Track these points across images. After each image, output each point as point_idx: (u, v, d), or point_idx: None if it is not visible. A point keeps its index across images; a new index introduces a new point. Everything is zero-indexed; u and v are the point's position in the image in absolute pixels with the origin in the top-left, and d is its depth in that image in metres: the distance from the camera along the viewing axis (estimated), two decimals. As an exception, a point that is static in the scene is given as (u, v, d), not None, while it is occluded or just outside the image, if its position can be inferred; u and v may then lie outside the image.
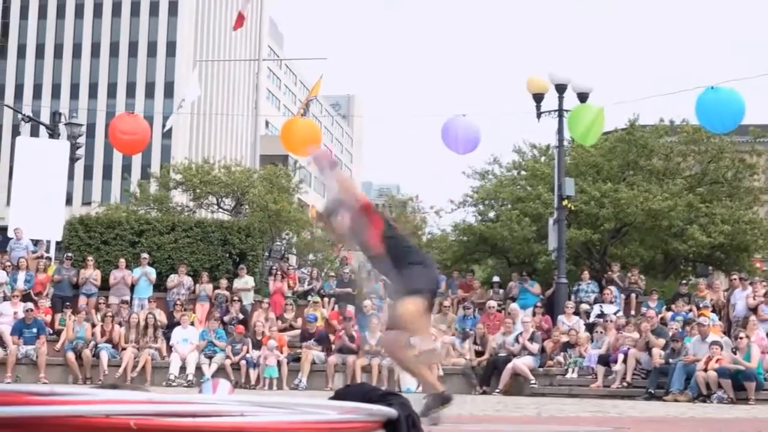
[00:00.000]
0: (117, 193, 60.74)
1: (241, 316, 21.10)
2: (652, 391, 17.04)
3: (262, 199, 30.47)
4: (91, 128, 64.18)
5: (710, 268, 30.82)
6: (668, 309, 20.48)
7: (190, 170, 33.40)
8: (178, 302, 21.22)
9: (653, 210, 26.22)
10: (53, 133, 30.47)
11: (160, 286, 22.27)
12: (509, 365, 18.66)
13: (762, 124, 32.35)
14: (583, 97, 21.76)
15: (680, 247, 27.28)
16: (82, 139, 31.76)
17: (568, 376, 18.73)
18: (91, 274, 21.99)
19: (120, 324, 20.59)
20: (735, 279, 20.64)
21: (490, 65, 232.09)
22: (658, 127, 30.22)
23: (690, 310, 19.86)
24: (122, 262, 22.20)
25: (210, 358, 19.82)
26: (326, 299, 22.28)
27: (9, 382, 17.89)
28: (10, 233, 23.80)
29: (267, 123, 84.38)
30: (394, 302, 7.36)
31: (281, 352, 19.66)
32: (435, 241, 34.96)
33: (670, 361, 17.25)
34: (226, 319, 21.04)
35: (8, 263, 22.28)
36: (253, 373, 19.43)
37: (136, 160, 71.51)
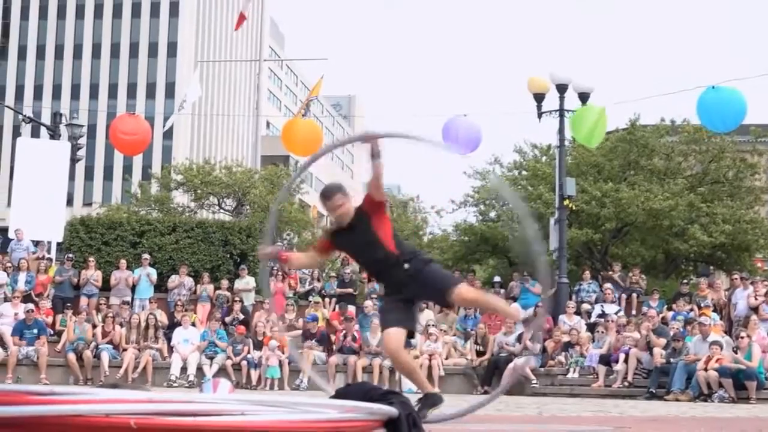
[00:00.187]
0: (118, 194, 60.81)
1: (242, 317, 21.10)
2: (654, 391, 17.02)
3: (263, 200, 30.51)
4: (92, 129, 64.26)
5: (711, 267, 30.86)
6: (669, 308, 20.47)
7: (191, 171, 33.45)
8: (179, 303, 21.21)
9: (654, 210, 26.25)
10: (54, 134, 30.47)
11: (161, 286, 22.26)
12: (510, 365, 18.64)
13: (763, 123, 32.37)
14: (584, 96, 21.76)
15: (681, 247, 27.32)
16: (83, 140, 31.76)
17: (570, 375, 18.71)
18: (92, 274, 21.99)
19: (121, 325, 20.57)
20: (736, 278, 20.62)
21: (490, 65, 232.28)
22: (659, 126, 30.27)
23: (691, 310, 19.84)
24: (123, 262, 22.19)
25: (211, 358, 19.81)
26: (327, 299, 22.28)
27: (10, 383, 17.88)
28: (11, 234, 23.80)
29: (268, 123, 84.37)
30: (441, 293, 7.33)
31: (283, 353, 19.66)
32: (436, 241, 35.04)
33: (671, 360, 17.24)
34: (227, 319, 21.04)
35: (9, 264, 22.27)
36: (254, 374, 19.42)
37: (137, 161, 71.53)
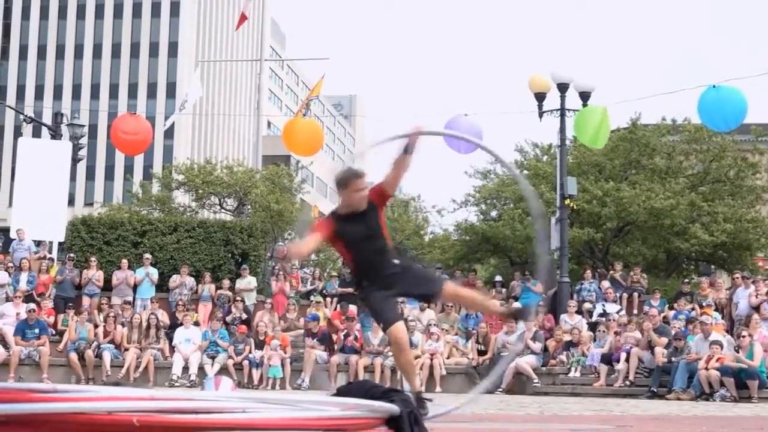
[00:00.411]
0: (119, 194, 60.86)
1: (243, 316, 21.11)
2: (655, 390, 17.03)
3: (264, 200, 30.48)
4: (93, 129, 64.31)
5: (712, 266, 30.85)
6: (671, 308, 20.47)
7: (193, 171, 33.42)
8: (180, 303, 21.22)
9: (655, 209, 26.24)
10: (55, 134, 30.47)
11: (162, 286, 22.27)
12: (512, 364, 18.65)
13: (764, 123, 32.36)
14: (585, 96, 21.77)
15: (682, 246, 27.31)
16: (84, 140, 31.75)
17: (571, 375, 18.71)
18: (94, 274, 22.00)
19: (122, 324, 20.58)
20: (737, 277, 20.62)
21: (492, 65, 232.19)
22: (660, 126, 30.26)
23: (692, 309, 19.84)
24: (125, 262, 22.21)
25: (213, 358, 19.81)
26: (329, 299, 22.28)
27: (12, 382, 17.89)
28: (13, 234, 23.80)
29: (269, 123, 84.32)
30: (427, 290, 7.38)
31: (285, 352, 19.68)
32: (437, 240, 35.04)
33: (673, 359, 17.24)
34: (228, 319, 21.04)
35: (11, 264, 22.28)
36: (255, 373, 19.43)
37: (139, 161, 71.53)
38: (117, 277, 22.01)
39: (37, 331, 19.97)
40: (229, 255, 23.27)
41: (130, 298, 21.76)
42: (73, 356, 19.85)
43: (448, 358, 19.58)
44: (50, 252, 23.81)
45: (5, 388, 3.25)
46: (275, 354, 19.43)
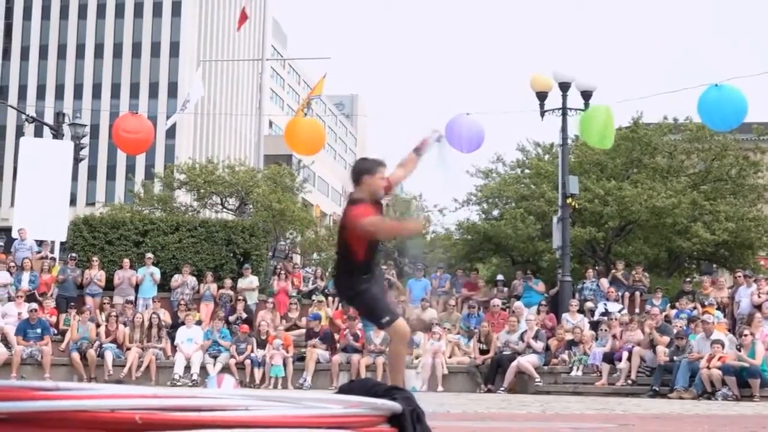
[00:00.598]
0: (121, 194, 60.82)
1: (245, 316, 21.12)
2: (657, 389, 17.03)
3: (266, 199, 30.48)
4: (94, 129, 64.33)
5: (714, 265, 30.82)
6: (672, 307, 20.47)
7: (194, 170, 33.43)
8: (182, 302, 21.24)
9: (657, 208, 26.22)
10: (57, 134, 30.47)
11: (164, 285, 22.30)
12: (514, 363, 18.66)
13: (766, 121, 32.32)
14: (586, 95, 21.76)
15: (684, 245, 27.28)
16: (85, 140, 31.77)
17: (573, 374, 18.72)
18: (96, 274, 22.03)
19: (124, 324, 20.61)
20: (739, 276, 20.62)
21: (493, 64, 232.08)
22: (661, 124, 30.23)
23: (694, 308, 19.84)
24: (126, 262, 22.23)
25: (215, 357, 19.83)
26: (330, 298, 22.29)
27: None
28: (15, 234, 23.82)
29: (271, 123, 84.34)
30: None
31: (287, 352, 19.69)
32: (439, 239, 34.99)
33: (675, 358, 17.24)
34: (230, 318, 21.06)
35: (12, 264, 22.30)
36: (257, 373, 19.45)
37: (140, 161, 71.59)
38: (119, 277, 22.04)
39: (39, 330, 20.00)
40: (231, 254, 23.30)
41: (132, 298, 21.79)
42: (75, 356, 19.88)
43: (450, 357, 19.59)
44: (52, 252, 23.83)
45: (7, 385, 3.24)
46: (277, 353, 19.45)
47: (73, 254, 22.57)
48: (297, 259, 35.63)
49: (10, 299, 21.12)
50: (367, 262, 7.02)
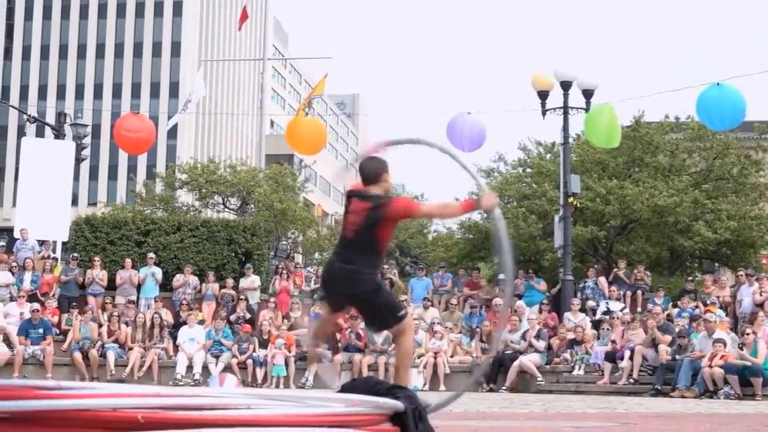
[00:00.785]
0: (123, 194, 60.88)
1: (247, 315, 21.12)
2: (659, 388, 17.02)
3: (267, 198, 30.49)
4: (96, 129, 64.33)
5: (716, 264, 30.83)
6: (674, 305, 20.46)
7: (196, 170, 33.46)
8: (184, 302, 21.24)
9: (659, 206, 26.22)
10: (58, 134, 30.49)
11: (166, 285, 22.29)
12: (516, 362, 18.65)
13: (767, 120, 32.33)
14: (588, 93, 21.76)
15: (686, 244, 27.28)
16: (87, 140, 31.80)
17: (575, 373, 18.71)
18: (98, 274, 22.03)
19: (126, 324, 20.61)
20: (741, 275, 20.60)
21: (495, 63, 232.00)
22: (663, 123, 30.24)
23: (696, 307, 19.83)
24: (128, 262, 22.22)
25: (217, 357, 19.83)
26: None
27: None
28: (16, 234, 23.82)
29: (272, 122, 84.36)
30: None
31: (289, 351, 19.69)
32: (441, 239, 35.02)
33: (677, 357, 17.23)
34: (232, 318, 21.06)
35: (14, 264, 22.29)
36: (259, 372, 19.45)
37: (142, 161, 71.57)
38: (121, 277, 22.04)
39: (41, 330, 20.00)
40: (233, 254, 23.29)
41: (134, 298, 21.78)
42: (77, 356, 19.88)
43: (451, 356, 19.58)
44: (54, 252, 23.83)
45: (9, 385, 3.25)
46: (279, 353, 19.45)
47: (75, 254, 22.58)
48: (299, 258, 35.68)
49: (12, 299, 21.12)
50: (382, 257, 7.18)
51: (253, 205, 31.59)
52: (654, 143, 29.13)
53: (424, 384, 18.72)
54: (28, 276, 21.72)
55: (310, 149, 23.66)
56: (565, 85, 21.96)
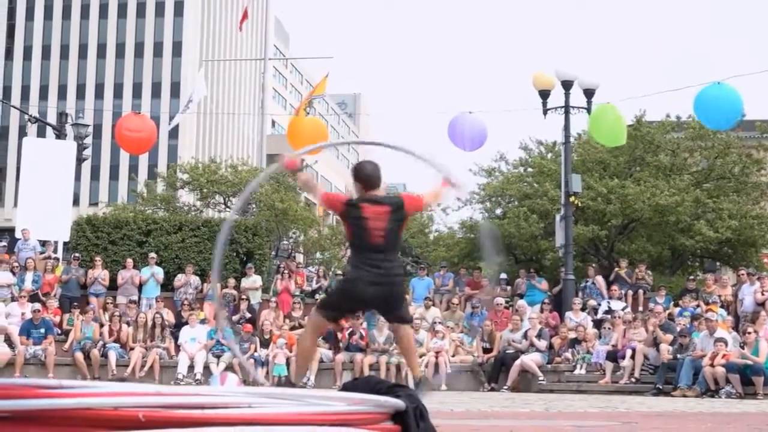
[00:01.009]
0: (124, 194, 60.86)
1: (248, 315, 21.11)
2: (660, 387, 17.02)
3: (269, 198, 30.50)
4: (97, 129, 64.29)
5: (718, 263, 30.82)
6: (676, 305, 20.46)
7: (197, 170, 33.48)
8: (185, 302, 21.24)
9: (660, 206, 26.22)
10: (60, 134, 30.50)
11: (167, 285, 22.30)
12: (517, 362, 18.65)
13: (768, 119, 32.31)
14: (589, 93, 21.76)
15: (687, 243, 27.28)
16: (88, 140, 31.79)
17: (576, 372, 18.70)
18: (99, 274, 22.04)
19: (128, 324, 20.61)
20: (743, 274, 20.60)
21: (496, 62, 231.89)
22: (664, 122, 30.23)
23: (698, 306, 19.82)
24: (130, 261, 22.24)
25: (218, 357, 19.82)
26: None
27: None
28: (18, 234, 23.83)
29: (273, 122, 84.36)
30: None
31: (290, 351, 19.68)
32: (442, 238, 35.02)
33: (678, 356, 17.23)
34: (234, 318, 21.05)
35: (16, 264, 22.30)
36: (261, 372, 19.43)
37: (143, 160, 71.57)
38: (122, 277, 22.05)
39: (42, 330, 20.01)
40: (234, 254, 23.29)
41: (136, 298, 21.79)
42: (79, 355, 19.88)
43: (453, 356, 19.58)
44: (55, 252, 23.83)
45: (10, 384, 3.25)
46: (280, 352, 19.45)
47: (77, 254, 22.59)
48: (300, 258, 35.68)
49: (13, 299, 21.14)
50: None
51: (254, 205, 31.60)
52: (655, 142, 29.13)
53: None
54: (29, 276, 21.72)
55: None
56: (567, 85, 21.96)
